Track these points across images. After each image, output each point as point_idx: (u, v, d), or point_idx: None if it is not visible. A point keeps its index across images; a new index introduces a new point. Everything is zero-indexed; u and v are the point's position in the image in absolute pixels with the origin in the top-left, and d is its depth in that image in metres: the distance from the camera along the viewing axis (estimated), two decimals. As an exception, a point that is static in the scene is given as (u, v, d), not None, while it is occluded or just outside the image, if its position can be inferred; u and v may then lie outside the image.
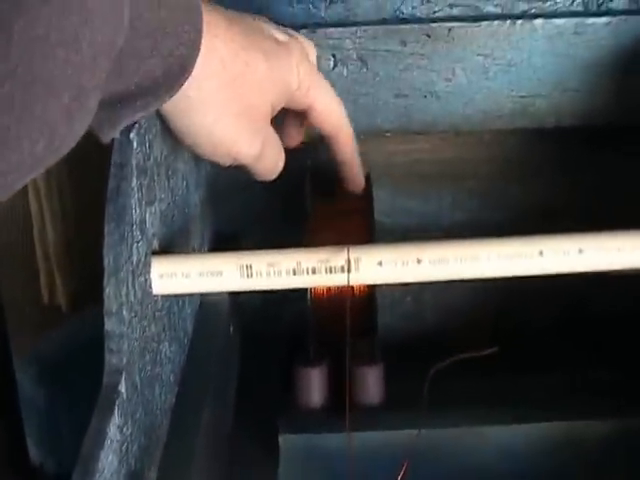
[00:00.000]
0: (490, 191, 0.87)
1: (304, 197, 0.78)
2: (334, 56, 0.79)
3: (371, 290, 0.76)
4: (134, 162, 0.56)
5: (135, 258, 0.56)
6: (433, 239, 0.61)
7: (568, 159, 0.86)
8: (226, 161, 0.64)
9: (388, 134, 0.81)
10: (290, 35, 0.68)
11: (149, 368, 0.60)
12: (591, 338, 0.85)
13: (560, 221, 0.87)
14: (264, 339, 0.83)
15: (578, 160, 0.86)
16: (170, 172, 0.66)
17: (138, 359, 0.57)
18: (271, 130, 0.66)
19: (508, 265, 0.60)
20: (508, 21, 0.78)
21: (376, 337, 0.77)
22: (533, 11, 0.79)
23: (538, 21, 0.77)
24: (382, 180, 0.86)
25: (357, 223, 0.77)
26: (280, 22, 0.79)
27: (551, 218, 0.86)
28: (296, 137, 0.73)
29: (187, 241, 0.73)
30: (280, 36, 0.66)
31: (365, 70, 0.80)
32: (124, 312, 0.54)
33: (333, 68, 0.79)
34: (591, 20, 0.77)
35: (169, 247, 0.66)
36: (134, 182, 0.56)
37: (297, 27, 0.78)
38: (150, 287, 0.60)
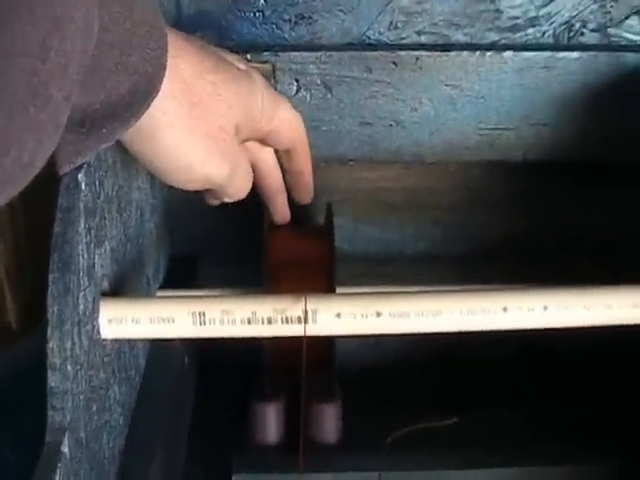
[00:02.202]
0: (454, 221, 0.86)
1: (263, 229, 0.76)
2: (297, 81, 0.77)
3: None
4: (82, 205, 0.54)
5: (82, 307, 0.54)
6: (396, 287, 0.60)
7: (533, 192, 0.84)
8: (195, 185, 0.63)
9: (352, 162, 0.79)
10: (247, 64, 0.68)
11: (96, 418, 0.57)
12: (551, 377, 0.83)
13: (523, 254, 0.85)
14: (220, 372, 0.81)
15: (543, 193, 0.84)
16: (123, 205, 0.64)
17: (84, 413, 0.55)
18: (239, 151, 0.64)
19: (471, 320, 0.58)
20: (477, 52, 0.76)
21: (334, 373, 0.75)
22: (503, 42, 0.77)
23: (508, 53, 0.75)
24: (344, 207, 0.84)
25: (317, 258, 0.74)
26: (243, 42, 0.77)
27: (514, 250, 0.85)
28: (268, 160, 0.73)
29: (140, 273, 0.71)
30: (242, 65, 0.66)
31: (329, 96, 0.77)
32: (68, 367, 0.52)
33: (296, 93, 0.77)
34: (561, 54, 0.75)
35: (121, 284, 0.64)
36: (82, 226, 0.54)
37: (260, 48, 0.76)
38: (98, 333, 0.58)
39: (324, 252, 0.75)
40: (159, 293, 0.78)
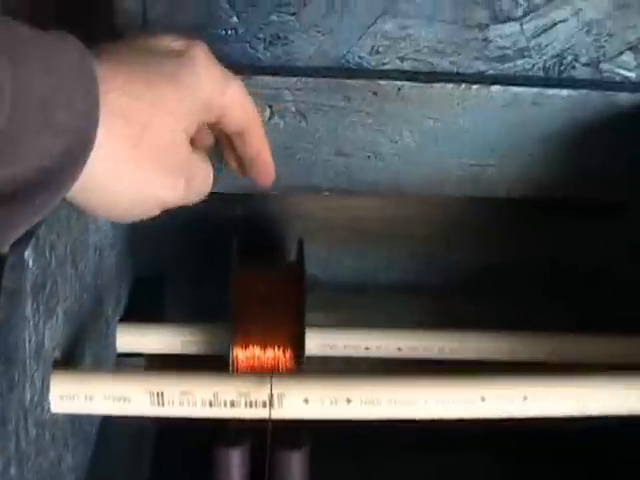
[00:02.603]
0: (430, 254, 0.82)
1: (230, 261, 0.72)
2: (270, 107, 0.72)
3: (298, 365, 0.70)
4: (29, 284, 0.50)
5: (28, 397, 0.50)
6: (363, 370, 0.56)
7: (513, 228, 0.81)
8: (154, 213, 0.57)
9: (326, 193, 0.75)
10: (184, 39, 0.59)
11: (45, 503, 0.54)
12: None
13: (499, 290, 0.82)
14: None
15: (524, 230, 0.81)
16: (78, 258, 0.60)
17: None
18: (191, 158, 0.57)
19: (446, 409, 0.55)
20: (463, 85, 0.71)
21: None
22: (490, 72, 0.72)
23: (495, 87, 0.71)
24: (318, 233, 0.80)
25: (286, 297, 0.71)
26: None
27: (490, 286, 0.81)
28: (207, 139, 0.66)
29: (99, 315, 0.68)
30: (175, 44, 0.58)
31: (304, 124, 0.73)
32: (12, 469, 0.48)
33: (269, 119, 0.73)
34: (551, 92, 0.71)
35: (76, 338, 0.60)
36: (28, 307, 0.50)
37: (231, 70, 0.71)
38: (48, 410, 0.54)
39: (294, 291, 0.71)
40: (119, 329, 0.74)
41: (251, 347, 0.69)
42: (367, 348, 0.72)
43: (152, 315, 0.77)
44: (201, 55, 0.58)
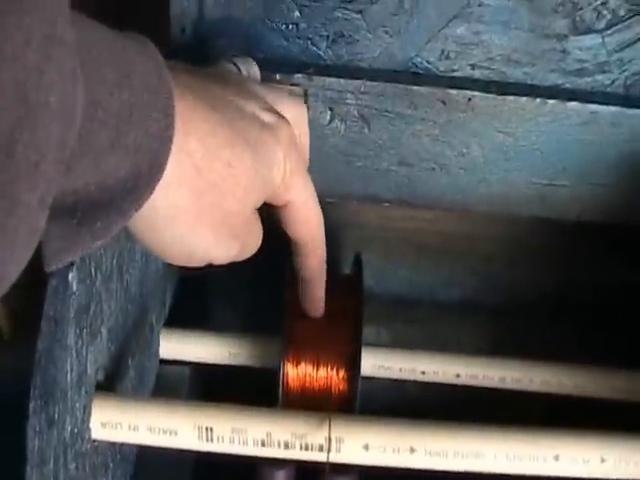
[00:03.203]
0: (492, 273, 0.78)
1: (284, 269, 0.68)
2: (331, 109, 0.69)
3: (352, 387, 0.67)
4: (72, 310, 0.46)
5: (68, 431, 0.47)
6: (430, 418, 0.52)
7: (582, 254, 0.76)
8: (199, 265, 0.54)
9: (386, 204, 0.71)
10: (276, 112, 0.55)
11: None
12: None
13: (561, 316, 0.78)
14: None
15: (592, 256, 0.76)
16: (125, 268, 0.57)
17: None
18: (251, 227, 0.54)
19: (516, 466, 0.51)
20: (538, 99, 0.67)
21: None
22: (567, 85, 0.68)
23: (572, 104, 0.67)
24: (375, 244, 0.77)
25: (342, 313, 0.67)
26: (273, 56, 0.68)
27: (552, 311, 0.78)
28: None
29: (142, 325, 0.64)
30: (266, 117, 0.54)
31: (366, 131, 0.69)
32: (52, 511, 0.45)
33: (329, 123, 0.69)
34: (632, 112, 0.67)
35: (119, 354, 0.57)
36: (71, 336, 0.47)
37: (292, 68, 0.68)
38: (89, 440, 0.51)
39: (351, 306, 0.67)
40: (163, 334, 0.71)
41: (303, 364, 0.65)
42: (423, 372, 0.68)
43: (197, 319, 0.74)
44: (286, 138, 0.54)
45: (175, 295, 0.77)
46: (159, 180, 0.44)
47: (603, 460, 0.50)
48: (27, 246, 0.35)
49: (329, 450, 0.51)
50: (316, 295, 0.64)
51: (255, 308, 0.81)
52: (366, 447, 0.51)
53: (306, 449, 0.51)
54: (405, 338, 0.83)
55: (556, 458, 0.50)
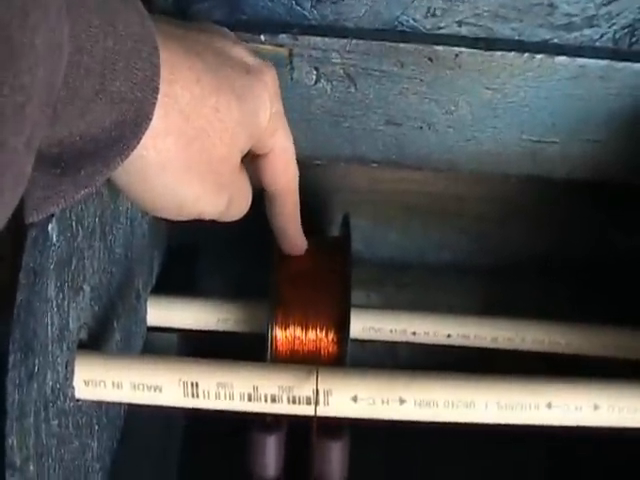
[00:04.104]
0: (483, 233, 0.77)
1: (270, 236, 0.67)
2: (317, 69, 0.67)
3: (341, 349, 0.66)
4: (53, 262, 0.45)
5: (50, 385, 0.46)
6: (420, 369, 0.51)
7: (573, 212, 0.76)
8: (186, 219, 0.53)
9: (374, 165, 0.70)
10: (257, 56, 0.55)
11: (68, 498, 0.50)
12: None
13: (553, 274, 0.77)
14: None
15: (583, 214, 0.76)
16: (108, 228, 0.56)
17: (52, 507, 0.47)
18: (239, 178, 0.54)
19: (508, 415, 0.50)
20: (526, 54, 0.66)
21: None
22: (555, 40, 0.67)
23: (560, 59, 0.66)
24: (363, 208, 0.76)
25: (331, 276, 0.66)
26: (257, 18, 0.67)
27: (543, 270, 0.77)
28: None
29: (129, 290, 0.64)
30: (249, 59, 0.54)
31: (353, 90, 0.68)
32: (31, 466, 0.44)
33: (315, 83, 0.68)
34: (621, 65, 0.65)
35: (104, 316, 0.56)
36: (52, 288, 0.46)
37: (276, 29, 0.67)
38: (72, 398, 0.50)
39: (339, 268, 0.66)
40: (150, 301, 0.70)
41: (292, 327, 0.64)
42: (414, 333, 0.67)
43: (186, 287, 0.73)
44: (272, 83, 0.54)
45: (163, 265, 0.76)
46: (146, 129, 0.43)
47: (596, 407, 0.50)
48: (13, 191, 0.34)
49: (317, 403, 0.50)
50: (296, 238, 0.65)
51: (244, 278, 0.81)
52: (355, 399, 0.50)
53: (293, 402, 0.50)
54: (396, 302, 0.82)
55: (548, 406, 0.50)
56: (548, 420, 0.50)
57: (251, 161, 0.57)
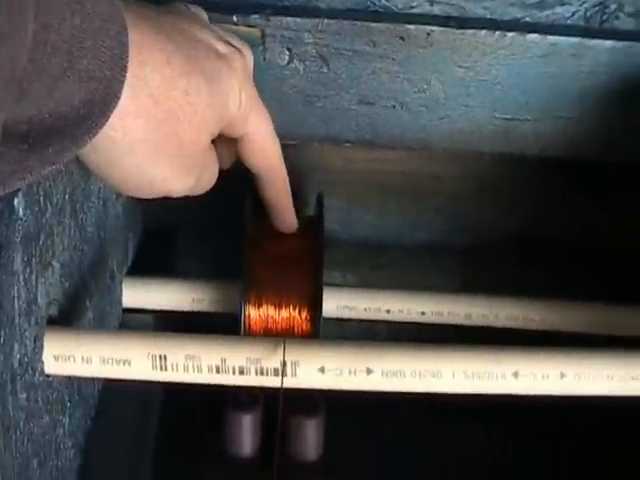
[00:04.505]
0: (458, 212, 0.77)
1: (243, 214, 0.68)
2: (289, 50, 0.67)
3: (314, 328, 0.66)
4: (19, 236, 0.46)
5: (17, 359, 0.46)
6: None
7: (546, 190, 0.76)
8: (154, 197, 0.54)
9: (347, 144, 0.70)
10: (230, 43, 0.56)
11: (38, 473, 0.51)
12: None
13: (527, 253, 0.77)
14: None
15: (556, 192, 0.76)
16: (78, 206, 0.56)
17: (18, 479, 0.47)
18: (207, 158, 0.54)
19: (475, 384, 0.50)
20: (497, 32, 0.66)
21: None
22: (527, 19, 0.67)
23: (532, 36, 0.66)
24: (338, 187, 0.76)
25: (303, 255, 0.66)
26: (227, 0, 0.67)
27: (518, 248, 0.77)
28: (228, 159, 0.62)
29: (102, 270, 0.64)
30: (220, 46, 0.54)
31: (325, 70, 0.68)
32: (-1, 441, 0.44)
33: (288, 64, 0.68)
34: (593, 42, 0.66)
35: (76, 294, 0.56)
36: (18, 262, 0.46)
37: (248, 10, 0.67)
38: (42, 372, 0.50)
39: (311, 247, 0.67)
40: (125, 283, 0.70)
41: (265, 306, 0.64)
42: (389, 311, 0.68)
43: (162, 271, 0.73)
44: (241, 68, 0.55)
45: (139, 247, 0.76)
46: (114, 108, 0.43)
47: (563, 375, 0.50)
48: None
49: (284, 374, 0.50)
50: (287, 216, 0.66)
51: (219, 260, 0.81)
52: (322, 370, 0.50)
53: (261, 374, 0.50)
54: (372, 282, 0.82)
55: (515, 375, 0.50)
56: (515, 389, 0.50)
57: (229, 143, 0.58)
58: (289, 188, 0.63)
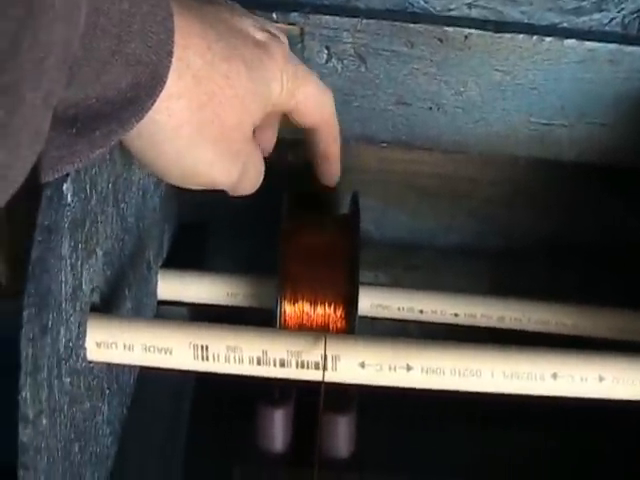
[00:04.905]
0: (492, 216, 0.78)
1: (280, 211, 0.68)
2: (328, 49, 0.68)
3: (349, 325, 0.66)
4: (67, 221, 0.46)
5: (63, 343, 0.47)
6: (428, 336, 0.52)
7: (581, 196, 0.76)
8: (199, 187, 0.54)
9: (383, 145, 0.71)
10: (268, 31, 0.57)
11: (79, 458, 0.51)
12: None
13: (561, 259, 0.78)
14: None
15: (591, 199, 0.76)
16: (120, 196, 0.57)
17: (62, 463, 0.48)
18: (251, 148, 0.55)
19: (513, 384, 0.51)
20: (535, 37, 0.67)
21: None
22: (564, 25, 0.68)
23: (569, 42, 0.67)
24: (373, 187, 0.77)
25: (339, 254, 0.67)
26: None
27: (552, 254, 0.77)
28: (272, 139, 0.63)
29: (140, 260, 0.64)
30: (259, 35, 0.55)
31: (363, 69, 0.69)
32: (43, 421, 0.45)
33: (326, 62, 0.69)
34: (630, 49, 0.66)
35: (116, 283, 0.57)
36: (66, 247, 0.47)
37: (288, 7, 0.68)
38: (84, 358, 0.51)
39: (348, 245, 0.67)
40: (161, 275, 0.71)
41: (300, 302, 0.65)
42: (422, 311, 0.68)
43: (195, 265, 0.74)
44: (280, 54, 0.56)
45: (173, 241, 0.77)
46: (160, 91, 0.45)
47: (601, 379, 0.50)
48: (31, 149, 0.35)
49: (325, 368, 0.51)
50: (334, 166, 0.66)
51: (253, 256, 0.81)
52: (362, 365, 0.51)
53: (302, 367, 0.51)
54: (404, 283, 0.82)
55: (554, 376, 0.50)
56: (553, 391, 0.51)
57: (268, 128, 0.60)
58: (339, 136, 0.64)
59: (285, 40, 0.58)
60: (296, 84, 0.57)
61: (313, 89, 0.59)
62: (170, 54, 0.45)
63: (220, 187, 0.55)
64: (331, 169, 0.66)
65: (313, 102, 0.59)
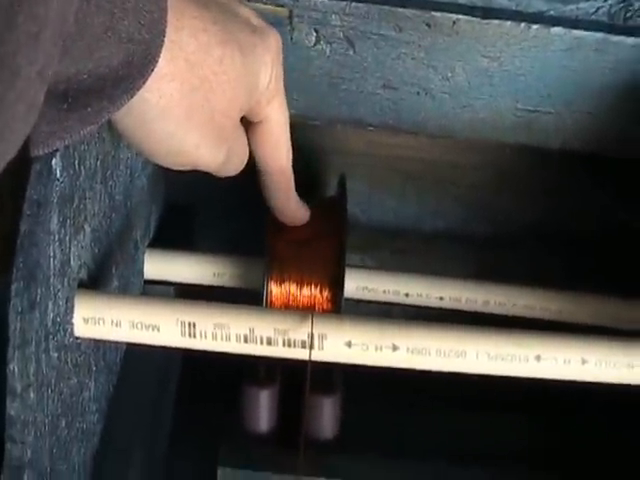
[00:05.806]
0: (477, 201, 0.78)
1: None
2: (317, 31, 0.69)
3: (335, 307, 0.67)
4: (56, 196, 0.47)
5: (51, 317, 0.48)
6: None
7: (565, 183, 0.77)
8: (185, 168, 0.55)
9: (370, 128, 0.71)
10: (264, 19, 0.57)
11: (66, 433, 0.52)
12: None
13: (545, 245, 0.78)
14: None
15: (576, 186, 0.77)
16: (109, 173, 0.57)
17: (49, 438, 0.49)
18: (238, 132, 0.56)
19: (498, 366, 0.51)
20: (523, 24, 0.67)
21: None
22: (551, 13, 0.68)
23: (556, 29, 0.67)
24: (359, 170, 0.77)
25: (326, 236, 0.67)
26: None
27: (536, 240, 0.78)
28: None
29: (127, 239, 0.65)
30: (255, 20, 0.56)
31: (351, 53, 0.69)
32: (31, 394, 0.46)
33: (314, 45, 0.69)
34: (616, 38, 0.67)
35: (103, 260, 0.58)
36: (55, 222, 0.47)
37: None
38: (71, 334, 0.51)
39: (334, 227, 0.68)
40: (148, 254, 0.71)
41: (287, 283, 0.65)
42: (407, 295, 0.69)
43: (182, 245, 0.74)
44: (275, 47, 0.56)
45: (160, 222, 0.78)
46: (152, 70, 0.45)
47: (584, 361, 0.51)
48: (25, 121, 0.35)
49: (311, 347, 0.51)
50: (295, 212, 0.66)
51: (240, 237, 0.82)
52: (349, 344, 0.51)
53: (289, 345, 0.51)
54: (390, 267, 0.82)
55: (537, 358, 0.51)
56: (536, 373, 0.51)
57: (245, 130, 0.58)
58: (295, 194, 0.64)
59: (278, 36, 0.59)
60: (277, 91, 0.57)
61: (284, 116, 0.59)
62: (163, 33, 0.45)
63: (205, 169, 0.55)
64: (291, 217, 0.66)
65: (279, 130, 0.59)
